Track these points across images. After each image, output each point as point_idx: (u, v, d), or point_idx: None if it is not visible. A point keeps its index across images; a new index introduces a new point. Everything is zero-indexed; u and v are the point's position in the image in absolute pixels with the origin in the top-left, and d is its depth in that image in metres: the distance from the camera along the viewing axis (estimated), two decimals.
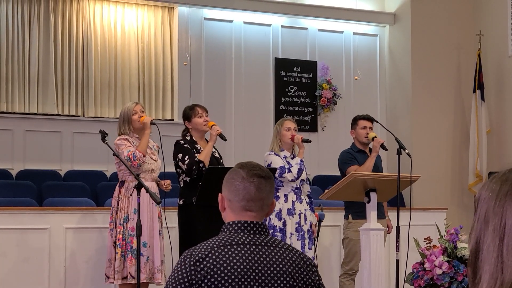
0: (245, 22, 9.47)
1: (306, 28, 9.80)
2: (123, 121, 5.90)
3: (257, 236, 2.39)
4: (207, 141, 5.92)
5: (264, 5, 9.42)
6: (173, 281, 2.29)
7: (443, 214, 7.71)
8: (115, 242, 5.68)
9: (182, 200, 5.76)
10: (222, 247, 2.33)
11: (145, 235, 5.60)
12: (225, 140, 5.96)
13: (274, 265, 2.35)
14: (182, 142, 5.89)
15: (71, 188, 7.97)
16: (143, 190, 5.06)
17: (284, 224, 6.02)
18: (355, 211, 6.25)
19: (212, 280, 2.27)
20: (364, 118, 6.56)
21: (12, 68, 8.50)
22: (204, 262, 2.29)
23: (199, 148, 5.87)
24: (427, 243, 5.77)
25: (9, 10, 8.53)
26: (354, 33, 9.90)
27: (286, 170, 6.06)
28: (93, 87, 8.82)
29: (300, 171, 6.11)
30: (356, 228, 5.96)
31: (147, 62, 9.14)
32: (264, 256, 2.35)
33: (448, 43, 9.82)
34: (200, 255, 2.30)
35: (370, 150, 6.50)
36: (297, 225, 6.04)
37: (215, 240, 2.36)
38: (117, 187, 5.82)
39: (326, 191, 5.79)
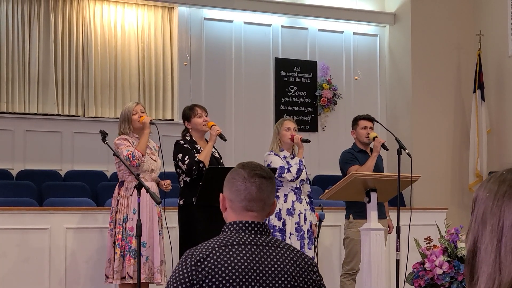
0: (245, 22, 9.46)
1: (306, 28, 9.80)
2: (123, 120, 5.91)
3: (259, 236, 2.39)
4: (207, 141, 5.92)
5: (264, 5, 9.41)
6: (174, 281, 2.28)
7: (443, 214, 7.71)
8: (114, 242, 5.68)
9: (182, 200, 5.77)
10: (223, 247, 2.32)
11: (145, 235, 5.60)
12: (225, 140, 5.95)
13: (276, 266, 2.35)
14: (182, 142, 5.88)
15: (71, 188, 7.96)
16: (143, 190, 5.06)
17: (284, 224, 6.02)
18: (356, 211, 6.25)
19: (213, 280, 2.27)
20: (365, 118, 6.56)
21: (12, 68, 8.49)
22: (205, 262, 2.28)
23: (199, 148, 5.87)
24: (427, 243, 5.77)
25: (9, 10, 8.52)
26: (354, 33, 9.90)
27: (286, 170, 6.06)
28: (93, 87, 8.81)
29: (299, 171, 6.11)
30: (357, 228, 5.96)
31: (147, 62, 9.14)
32: (265, 256, 2.35)
33: (448, 43, 9.81)
34: (201, 255, 2.30)
35: (371, 150, 6.50)
36: (296, 225, 6.04)
37: (216, 240, 2.36)
38: (116, 187, 5.82)
39: (326, 191, 5.79)
